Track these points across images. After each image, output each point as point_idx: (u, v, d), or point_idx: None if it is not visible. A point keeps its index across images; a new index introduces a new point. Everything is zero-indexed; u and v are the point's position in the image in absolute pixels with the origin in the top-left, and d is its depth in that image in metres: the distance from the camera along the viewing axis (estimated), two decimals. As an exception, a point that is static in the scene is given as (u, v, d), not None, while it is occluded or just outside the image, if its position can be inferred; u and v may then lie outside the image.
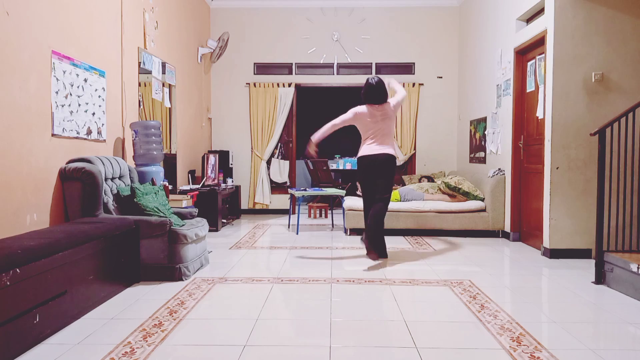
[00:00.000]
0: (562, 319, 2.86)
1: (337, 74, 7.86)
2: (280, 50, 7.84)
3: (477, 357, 2.34)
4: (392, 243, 5.30)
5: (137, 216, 3.67)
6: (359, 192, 5.59)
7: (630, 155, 3.82)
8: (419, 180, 7.17)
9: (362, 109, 4.53)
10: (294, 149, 8.03)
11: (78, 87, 3.83)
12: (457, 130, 7.78)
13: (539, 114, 4.85)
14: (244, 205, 7.86)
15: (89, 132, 4.00)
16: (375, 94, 4.46)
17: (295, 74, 7.86)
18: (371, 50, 7.80)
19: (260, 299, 3.23)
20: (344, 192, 6.25)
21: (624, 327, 2.78)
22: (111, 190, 3.89)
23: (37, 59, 3.31)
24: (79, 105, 3.84)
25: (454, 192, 5.99)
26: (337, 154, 10.27)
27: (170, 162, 5.77)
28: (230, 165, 7.43)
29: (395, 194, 6.06)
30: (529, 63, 5.21)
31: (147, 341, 2.48)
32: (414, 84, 7.71)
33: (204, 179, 6.56)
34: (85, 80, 3.93)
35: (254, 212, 7.88)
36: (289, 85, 7.76)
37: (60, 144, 3.60)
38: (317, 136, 4.56)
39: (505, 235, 5.66)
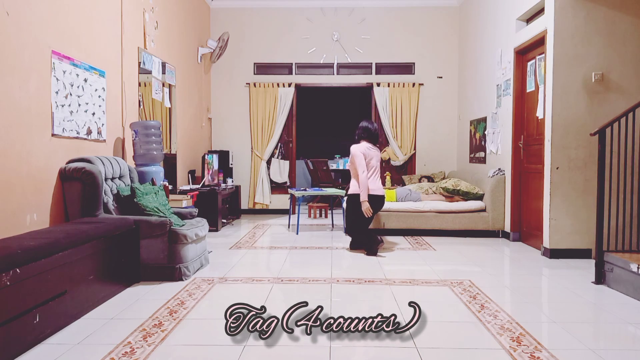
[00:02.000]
0: (562, 319, 2.86)
1: (337, 74, 7.86)
2: (280, 50, 7.84)
3: (477, 357, 2.34)
4: (392, 243, 5.30)
5: (137, 216, 3.67)
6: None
7: (630, 155, 3.81)
8: (419, 180, 7.17)
9: (364, 147, 4.81)
10: (294, 149, 8.03)
11: (78, 87, 3.83)
12: (457, 130, 7.77)
13: (539, 114, 4.85)
14: (244, 205, 7.85)
15: (89, 132, 3.99)
16: (375, 136, 4.93)
17: (295, 74, 7.86)
18: (371, 50, 7.80)
19: (260, 299, 3.23)
20: (344, 192, 6.24)
21: (624, 327, 2.78)
22: (111, 190, 3.89)
23: (37, 59, 3.31)
24: (79, 105, 3.84)
25: (454, 195, 5.99)
26: (337, 154, 10.28)
27: (170, 162, 5.77)
28: (230, 165, 7.43)
29: (392, 194, 6.06)
30: (529, 63, 5.21)
31: (147, 341, 2.48)
32: (414, 84, 7.70)
33: (204, 179, 6.56)
34: (85, 80, 3.93)
35: (254, 212, 7.88)
36: (289, 85, 7.76)
37: (60, 144, 3.60)
38: (365, 195, 4.68)
39: (505, 235, 5.65)
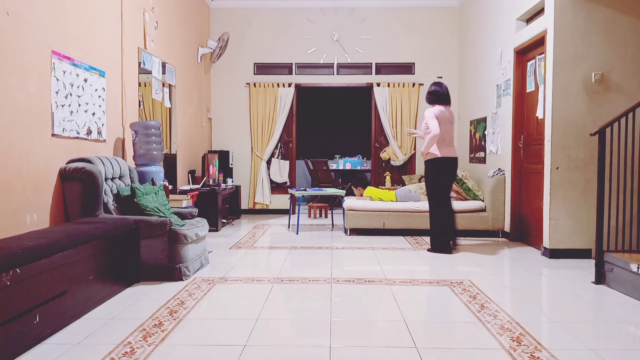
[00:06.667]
0: (562, 319, 2.86)
1: (337, 74, 7.86)
2: (280, 50, 7.84)
3: (477, 357, 2.34)
4: (392, 243, 5.31)
5: (137, 216, 3.67)
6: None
7: (630, 155, 3.81)
8: (419, 180, 7.17)
9: (440, 109, 4.74)
10: (294, 148, 8.03)
11: (78, 87, 3.83)
12: (457, 130, 7.77)
13: (539, 114, 4.85)
14: (244, 205, 7.86)
15: (89, 132, 4.00)
16: (447, 96, 4.81)
17: (295, 74, 7.86)
18: (371, 50, 7.80)
19: (260, 299, 3.23)
20: (344, 192, 6.25)
21: (624, 327, 2.78)
22: (111, 190, 3.89)
23: (37, 59, 3.31)
24: (79, 105, 3.84)
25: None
26: (337, 154, 10.28)
27: (170, 162, 5.77)
28: (230, 165, 7.43)
29: (391, 195, 6.06)
30: (529, 63, 5.21)
31: (147, 341, 2.48)
32: (414, 84, 7.70)
33: (204, 179, 6.56)
34: (85, 80, 3.93)
35: (254, 212, 7.88)
36: (289, 85, 7.76)
37: (60, 144, 3.60)
38: (427, 148, 4.70)
39: (505, 235, 5.65)
